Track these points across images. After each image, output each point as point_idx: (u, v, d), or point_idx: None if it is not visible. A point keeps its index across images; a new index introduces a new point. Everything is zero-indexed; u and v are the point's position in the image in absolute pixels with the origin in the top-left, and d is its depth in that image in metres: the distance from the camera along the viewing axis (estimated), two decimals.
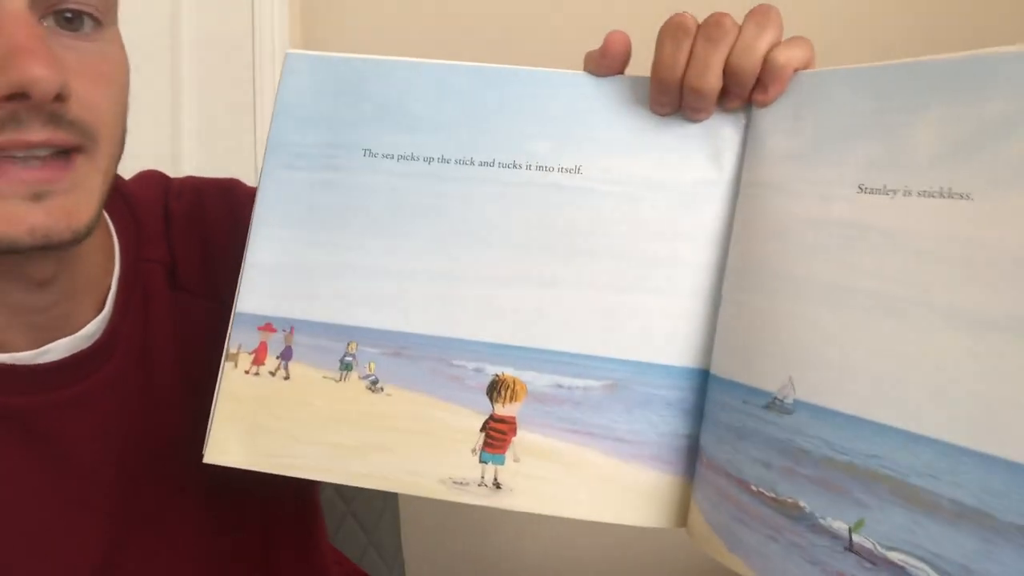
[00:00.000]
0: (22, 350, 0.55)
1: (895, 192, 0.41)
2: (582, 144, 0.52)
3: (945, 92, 0.40)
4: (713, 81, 0.47)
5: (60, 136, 0.47)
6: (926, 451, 0.38)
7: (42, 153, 0.47)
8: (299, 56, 0.56)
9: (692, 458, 0.49)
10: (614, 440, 0.50)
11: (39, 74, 0.44)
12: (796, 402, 0.43)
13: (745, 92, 0.48)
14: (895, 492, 0.39)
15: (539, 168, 0.52)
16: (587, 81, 0.52)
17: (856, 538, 0.40)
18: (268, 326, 0.55)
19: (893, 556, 0.38)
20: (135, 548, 0.59)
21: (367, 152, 0.54)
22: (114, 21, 0.52)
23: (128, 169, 0.62)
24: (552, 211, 0.52)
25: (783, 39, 0.47)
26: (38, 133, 0.46)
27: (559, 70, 0.53)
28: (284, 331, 0.54)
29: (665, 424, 0.50)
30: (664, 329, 0.50)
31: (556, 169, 0.52)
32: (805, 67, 0.47)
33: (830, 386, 0.42)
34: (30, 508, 0.55)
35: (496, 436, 0.52)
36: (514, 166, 0.52)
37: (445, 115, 0.53)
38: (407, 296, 0.53)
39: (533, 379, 0.51)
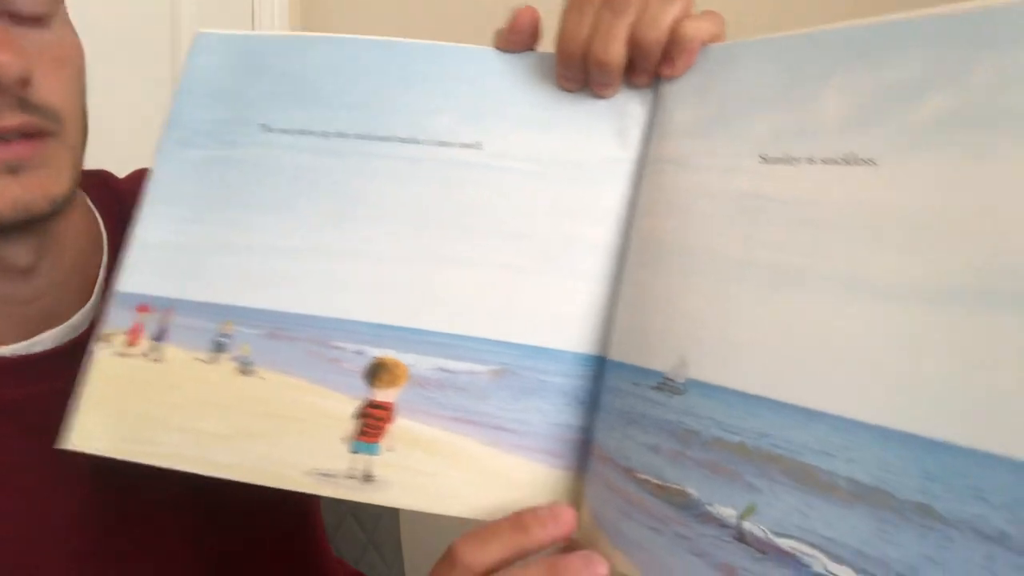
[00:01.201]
0: (11, 342, 0.56)
1: (798, 161, 0.38)
2: (484, 120, 0.49)
3: (850, 59, 0.38)
4: (617, 53, 0.45)
5: (30, 121, 0.49)
6: (820, 427, 0.34)
7: (12, 137, 0.49)
8: (207, 35, 0.55)
9: (584, 451, 0.45)
10: (499, 430, 0.46)
11: (3, 59, 0.46)
12: (688, 381, 0.39)
13: (651, 66, 0.46)
14: (787, 473, 0.35)
15: (439, 143, 0.49)
16: (494, 56, 0.50)
17: (746, 525, 0.36)
18: (145, 307, 0.51)
19: (784, 543, 0.35)
20: (129, 537, 0.59)
21: (264, 127, 0.52)
22: (61, 5, 0.53)
23: (128, 168, 0.68)
24: (449, 188, 0.49)
25: (692, 12, 0.45)
26: (9, 119, 0.48)
27: (465, 44, 0.51)
28: (161, 311, 0.50)
29: (556, 414, 0.46)
30: (560, 312, 0.46)
31: (456, 144, 0.49)
32: (714, 41, 0.45)
33: (723, 363, 0.38)
34: (26, 499, 0.55)
35: (372, 423, 0.47)
36: (413, 141, 0.50)
37: (346, 89, 0.51)
38: (290, 274, 0.50)
39: (416, 362, 0.47)
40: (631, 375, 0.42)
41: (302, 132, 0.51)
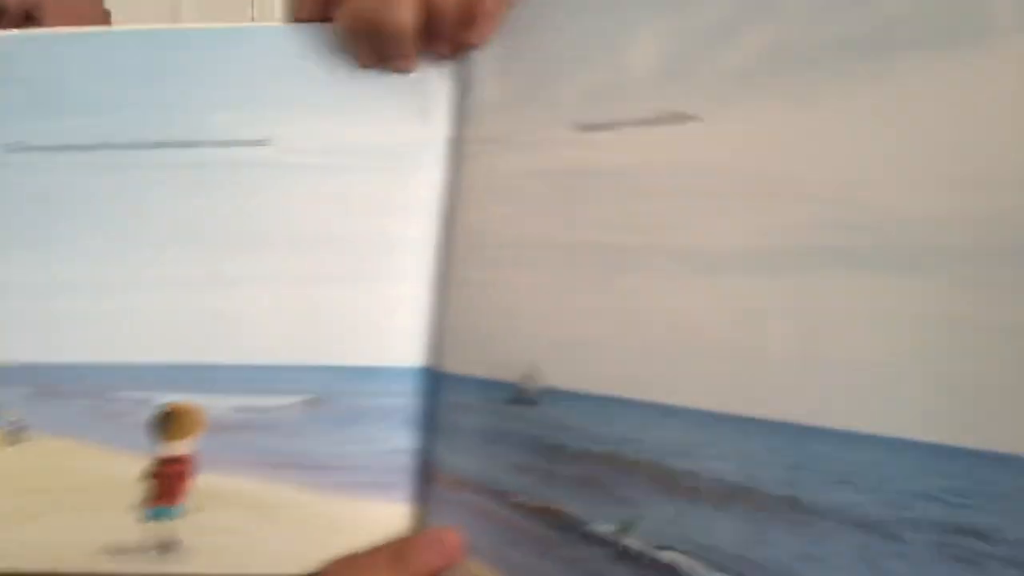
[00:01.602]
0: None
1: (617, 125, 0.34)
2: (273, 111, 0.42)
3: (655, 6, 0.34)
4: (406, 16, 0.39)
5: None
6: (677, 424, 0.30)
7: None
8: None
9: (422, 479, 0.39)
10: (319, 469, 0.39)
11: None
12: (542, 391, 0.35)
13: (451, 32, 0.41)
14: (657, 480, 0.31)
15: (218, 143, 0.42)
16: (280, 34, 0.43)
17: (627, 542, 0.31)
18: None
19: (665, 556, 0.31)
20: None
21: (16, 146, 0.43)
22: None
23: None
24: (235, 193, 0.42)
25: None
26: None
27: (243, 24, 0.44)
28: None
29: (384, 441, 0.39)
30: (380, 325, 0.40)
31: (241, 142, 0.42)
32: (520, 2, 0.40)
33: (575, 365, 0.34)
34: None
35: (166, 483, 0.40)
36: (192, 144, 0.43)
37: (109, 91, 0.43)
38: (55, 317, 0.42)
39: (213, 404, 0.41)
40: (481, 389, 0.37)
41: (60, 147, 0.43)
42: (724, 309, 0.30)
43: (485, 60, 0.40)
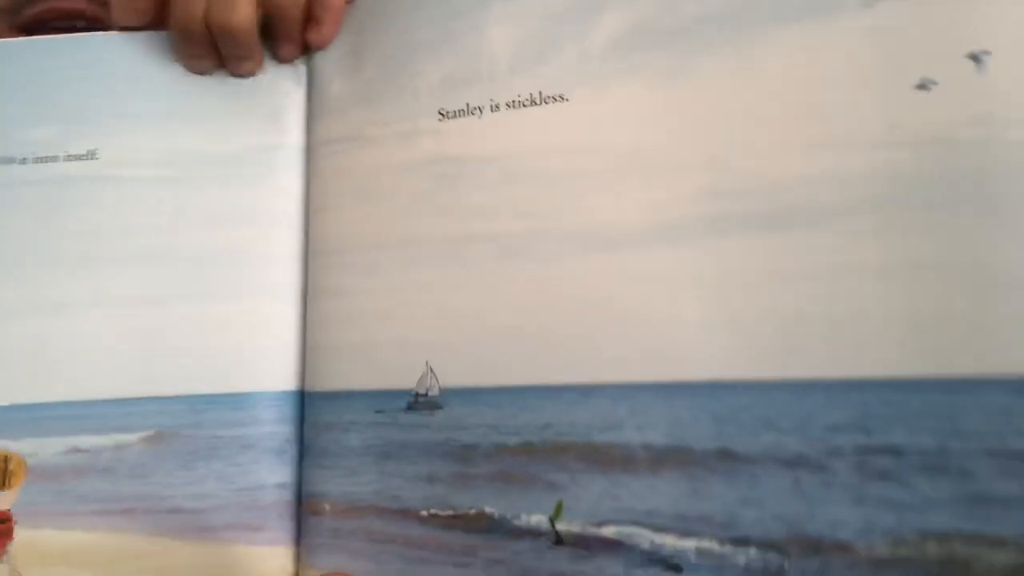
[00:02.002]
0: None
1: (480, 110, 0.35)
2: (99, 123, 0.39)
3: None
4: (244, 16, 0.38)
5: (94, 9, 0.47)
6: (601, 400, 0.31)
7: (79, 24, 0.47)
8: None
9: (301, 514, 0.36)
10: (168, 513, 0.35)
11: None
12: (444, 392, 0.33)
13: (294, 32, 0.39)
14: (583, 458, 0.31)
15: (39, 160, 0.38)
16: (104, 43, 0.40)
17: (561, 527, 0.31)
18: None
19: (606, 532, 0.30)
20: None
21: None
22: None
23: None
24: (61, 213, 0.38)
25: None
26: (73, 2, 0.47)
27: (66, 35, 0.41)
28: None
29: (246, 475, 0.35)
30: (233, 346, 0.37)
31: (62, 157, 0.38)
32: None
33: (478, 360, 0.33)
34: None
35: None
36: (7, 161, 0.38)
37: None
38: None
39: (37, 449, 0.35)
40: (367, 403, 0.34)
41: None
42: (627, 283, 0.31)
43: (331, 58, 0.39)
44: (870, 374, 0.28)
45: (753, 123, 0.30)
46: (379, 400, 0.34)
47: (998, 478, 0.27)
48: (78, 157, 0.38)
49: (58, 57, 0.40)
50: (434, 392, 0.33)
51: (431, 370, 0.33)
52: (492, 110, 0.34)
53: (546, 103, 0.33)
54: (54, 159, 0.38)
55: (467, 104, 0.35)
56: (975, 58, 0.28)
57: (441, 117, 0.35)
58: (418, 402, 0.34)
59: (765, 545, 0.29)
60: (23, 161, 0.38)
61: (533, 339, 0.32)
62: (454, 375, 0.33)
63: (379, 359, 0.34)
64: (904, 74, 0.29)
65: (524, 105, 0.34)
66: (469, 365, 0.33)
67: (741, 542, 0.29)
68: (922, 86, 0.28)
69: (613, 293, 0.31)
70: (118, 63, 0.40)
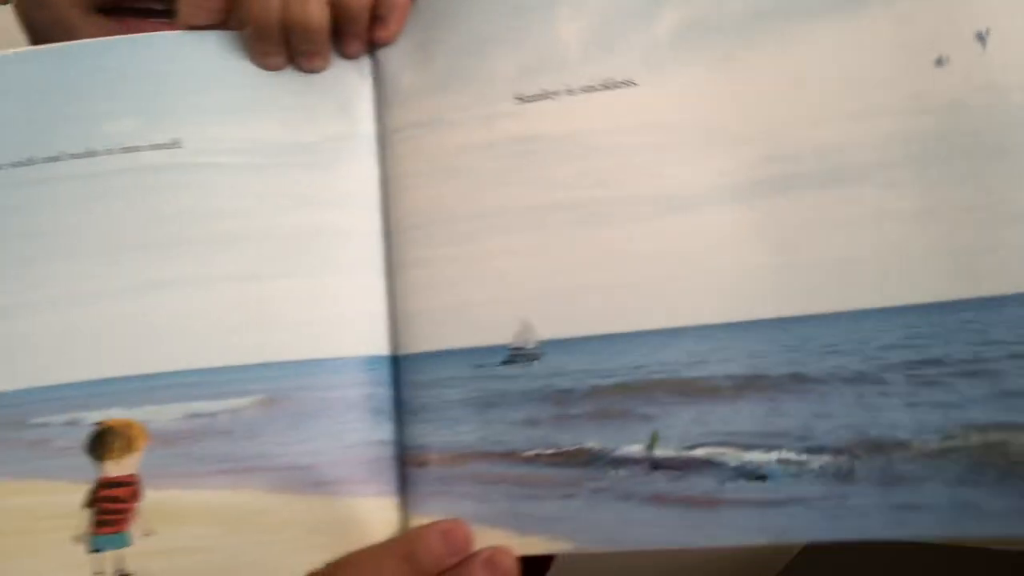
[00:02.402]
0: None
1: (556, 94, 0.39)
2: (179, 114, 0.41)
3: None
4: (318, 14, 0.40)
5: None
6: (686, 341, 0.36)
7: (159, 7, 0.49)
8: None
9: (396, 466, 0.39)
10: (283, 470, 0.38)
11: None
12: (541, 344, 0.37)
13: (360, 30, 0.42)
14: (674, 392, 0.36)
15: (125, 150, 0.40)
16: (176, 41, 0.43)
17: (657, 453, 0.35)
18: None
19: (697, 454, 0.35)
20: None
21: None
22: None
23: None
24: (151, 198, 0.40)
25: None
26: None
27: (136, 35, 0.43)
28: None
29: (352, 433, 0.38)
30: (327, 316, 0.40)
31: (147, 147, 0.41)
32: None
33: (570, 314, 0.37)
34: None
35: (111, 508, 0.37)
36: (89, 154, 0.40)
37: None
38: None
39: (154, 416, 0.38)
40: (468, 359, 0.38)
41: None
42: (700, 238, 0.36)
43: (398, 51, 0.42)
44: (912, 300, 0.34)
45: (798, 100, 0.36)
46: (476, 356, 0.38)
47: (1021, 375, 0.33)
48: (163, 146, 0.41)
49: (134, 54, 0.42)
50: (531, 345, 0.37)
51: (528, 326, 0.37)
52: (568, 94, 0.38)
53: (617, 88, 0.38)
54: (138, 149, 0.41)
55: (543, 89, 0.39)
56: (980, 37, 0.34)
57: (519, 101, 0.39)
58: (517, 355, 0.38)
59: (836, 451, 0.34)
60: (108, 152, 0.40)
61: (619, 291, 0.37)
62: (548, 328, 0.37)
63: (473, 319, 0.38)
64: (923, 53, 0.35)
65: (595, 89, 0.38)
66: (561, 318, 0.37)
67: (815, 450, 0.34)
68: (939, 62, 0.34)
69: (687, 248, 0.36)
70: (191, 59, 0.42)
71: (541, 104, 0.39)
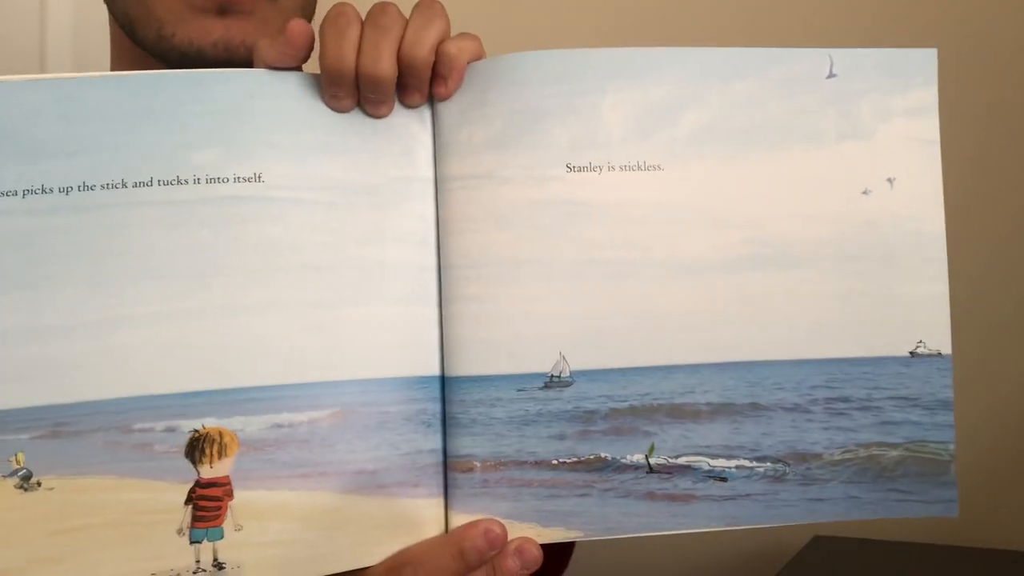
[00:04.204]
0: None
1: (600, 168, 0.47)
2: (259, 149, 0.45)
3: (617, 78, 0.48)
4: (387, 67, 0.45)
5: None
6: (680, 375, 0.47)
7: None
8: None
9: (440, 472, 0.46)
10: (354, 475, 0.45)
11: None
12: (573, 373, 0.47)
13: (423, 85, 0.47)
14: (668, 414, 0.47)
15: (210, 180, 0.44)
16: (257, 78, 0.46)
17: (652, 461, 0.47)
18: None
19: (681, 461, 0.47)
20: None
21: None
22: None
23: None
24: (235, 227, 0.44)
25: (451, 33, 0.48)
26: None
27: (219, 69, 0.46)
28: None
29: (408, 443, 0.46)
30: (387, 340, 0.46)
31: (231, 179, 0.44)
32: (477, 59, 0.48)
33: (597, 350, 0.47)
34: None
35: (207, 506, 0.42)
36: (176, 182, 0.43)
37: (81, 135, 0.43)
38: (59, 359, 0.41)
39: (243, 425, 0.43)
40: (512, 383, 0.46)
41: (33, 191, 0.41)
42: (698, 297, 0.48)
43: (457, 107, 0.48)
44: (831, 355, 0.49)
45: (770, 201, 0.48)
46: (519, 381, 0.47)
47: (894, 411, 0.49)
48: (245, 180, 0.44)
49: (220, 88, 0.45)
50: (566, 374, 0.47)
51: (563, 357, 0.47)
52: (608, 169, 0.47)
53: (648, 170, 0.48)
54: (224, 180, 0.44)
55: (590, 162, 0.47)
56: (889, 180, 0.49)
57: (568, 169, 0.47)
58: (553, 381, 0.47)
59: (775, 459, 0.48)
60: (196, 181, 0.43)
61: (635, 334, 0.47)
62: (578, 360, 0.47)
63: (518, 350, 0.46)
64: (856, 184, 0.49)
65: (632, 169, 0.47)
66: (589, 353, 0.47)
67: (761, 459, 0.48)
68: (865, 192, 0.49)
69: (688, 304, 0.48)
70: (272, 97, 0.45)
71: (586, 175, 0.47)
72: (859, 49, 0.49)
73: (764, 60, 0.49)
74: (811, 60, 0.49)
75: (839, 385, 0.49)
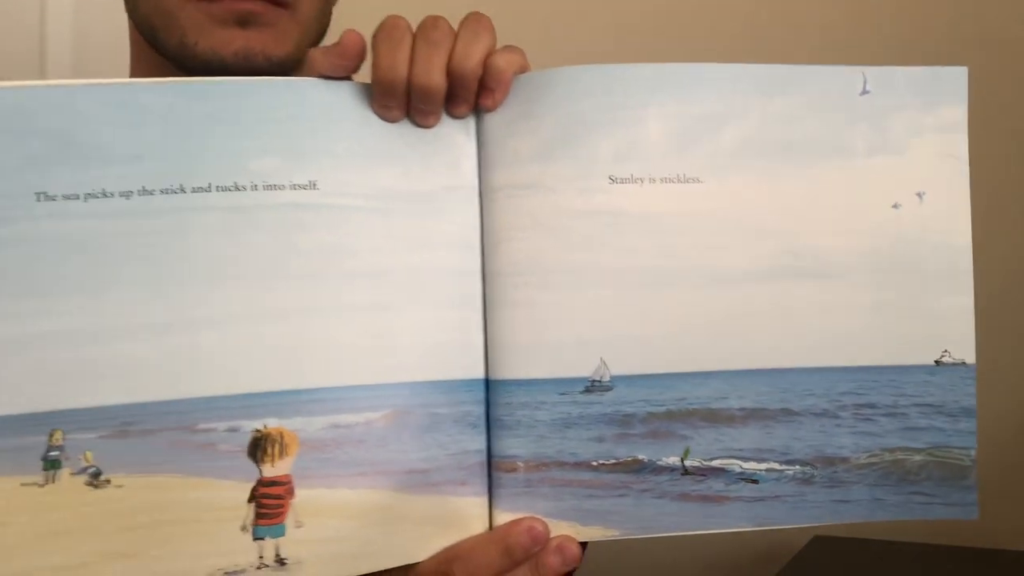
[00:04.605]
0: None
1: (642, 180, 0.49)
2: (315, 157, 0.46)
3: (660, 93, 0.49)
4: (438, 80, 0.47)
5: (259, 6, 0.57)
6: (715, 381, 0.50)
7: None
8: None
9: (485, 472, 0.48)
10: (406, 474, 0.47)
11: None
12: (613, 378, 0.48)
13: (471, 96, 0.48)
14: (703, 419, 0.49)
15: (268, 187, 0.45)
16: (314, 88, 0.47)
17: (687, 463, 0.49)
18: None
19: (715, 464, 0.49)
20: None
21: (42, 196, 0.42)
22: None
23: None
24: (292, 233, 0.45)
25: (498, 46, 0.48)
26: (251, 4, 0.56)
27: (275, 78, 0.47)
28: None
29: (456, 443, 0.47)
30: (437, 343, 0.48)
31: (288, 186, 0.45)
32: (522, 72, 0.49)
33: (637, 356, 0.49)
34: None
35: (270, 504, 0.44)
36: (236, 188, 0.45)
37: (140, 141, 0.44)
38: (124, 360, 0.42)
39: (303, 426, 0.45)
40: (555, 387, 0.48)
41: (94, 195, 0.42)
42: (733, 305, 0.49)
43: (502, 118, 0.49)
44: (860, 363, 0.51)
45: (806, 214, 0.50)
46: (562, 385, 0.48)
47: (919, 417, 0.51)
48: (301, 187, 0.45)
49: (277, 96, 0.46)
50: (607, 379, 0.49)
51: (604, 363, 0.49)
52: (650, 182, 0.49)
53: (688, 182, 0.49)
54: (281, 188, 0.45)
55: (632, 174, 0.49)
56: (919, 195, 0.51)
57: (611, 181, 0.49)
58: (594, 386, 0.49)
59: (803, 463, 0.50)
60: (254, 188, 0.45)
61: (673, 340, 0.49)
62: (619, 366, 0.49)
63: (561, 355, 0.48)
64: (887, 199, 0.51)
65: (672, 181, 0.49)
66: (629, 359, 0.49)
67: (790, 462, 0.50)
68: (895, 206, 0.51)
69: (725, 312, 0.49)
70: (326, 106, 0.47)
71: (628, 186, 0.49)
72: (892, 67, 0.51)
73: (802, 76, 0.51)
74: (846, 77, 0.51)
75: (866, 392, 0.51)
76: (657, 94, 0.49)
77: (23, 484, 0.40)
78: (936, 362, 0.51)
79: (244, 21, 0.56)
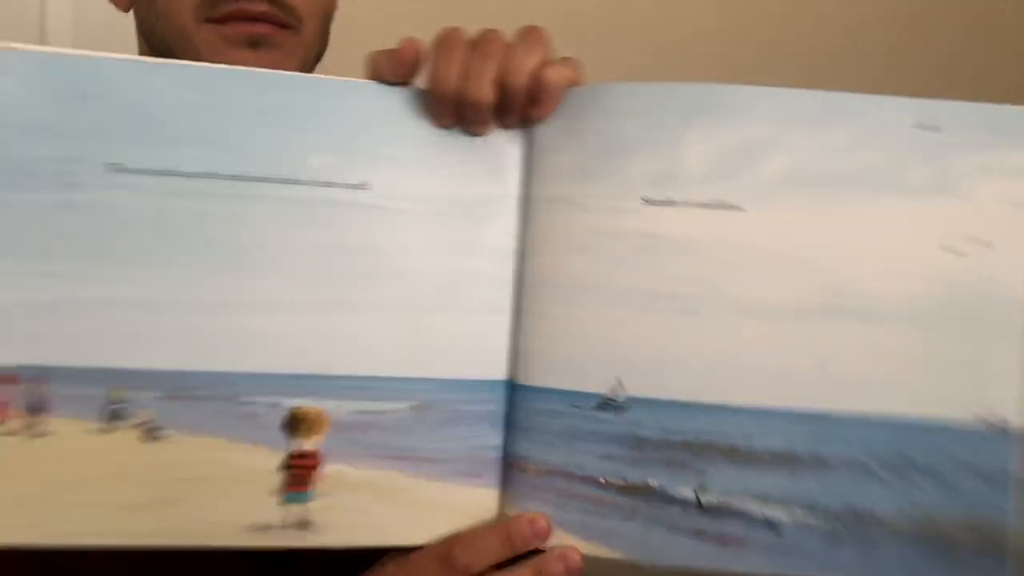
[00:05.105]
0: None
1: (677, 204, 0.49)
2: (368, 159, 0.50)
3: (703, 114, 0.49)
4: (488, 93, 0.48)
5: (274, 11, 0.63)
6: (741, 417, 0.49)
7: (262, 7, 0.62)
8: (11, 54, 0.47)
9: (500, 468, 0.52)
10: (424, 461, 0.51)
11: None
12: (628, 399, 0.49)
13: (520, 108, 0.50)
14: (725, 455, 0.49)
15: (323, 184, 0.50)
16: (370, 91, 0.51)
17: (703, 498, 0.49)
18: (10, 377, 0.46)
19: (733, 503, 0.49)
20: None
21: (114, 167, 0.47)
22: None
23: None
24: (340, 230, 0.50)
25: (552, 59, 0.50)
26: (258, 5, 0.62)
27: (340, 77, 0.51)
28: (29, 382, 0.46)
29: (474, 438, 0.51)
30: (467, 345, 0.51)
31: (341, 185, 0.50)
32: (574, 85, 0.50)
33: (656, 380, 0.49)
34: None
35: (299, 474, 0.49)
36: (293, 181, 0.49)
37: (210, 125, 0.49)
38: (182, 330, 0.48)
39: (335, 408, 0.50)
40: (568, 399, 0.50)
41: (163, 172, 0.48)
42: (765, 341, 0.48)
43: (549, 130, 0.51)
44: (902, 413, 0.48)
45: (850, 253, 0.48)
46: (575, 398, 0.50)
47: (958, 479, 0.48)
48: (354, 186, 0.50)
49: (337, 96, 0.50)
50: (620, 398, 0.50)
51: (620, 382, 0.50)
52: (686, 205, 0.49)
53: (727, 209, 0.49)
54: (334, 185, 0.49)
55: (668, 197, 0.49)
56: (989, 244, 0.48)
57: (645, 203, 0.49)
58: (607, 403, 0.50)
59: (831, 514, 0.48)
60: (309, 183, 0.49)
61: (697, 369, 0.49)
62: (635, 387, 0.49)
63: (578, 368, 0.50)
64: (942, 242, 0.48)
65: (710, 207, 0.49)
66: (647, 382, 0.49)
67: (816, 512, 0.48)
68: (951, 251, 0.48)
69: (756, 347, 0.49)
70: (381, 109, 0.50)
71: (663, 209, 0.49)
72: (955, 102, 0.48)
73: (856, 106, 0.49)
74: (904, 109, 0.49)
75: (903, 446, 0.48)
76: (700, 115, 0.49)
77: (88, 430, 0.47)
78: (979, 419, 0.48)
79: (255, 43, 0.62)
